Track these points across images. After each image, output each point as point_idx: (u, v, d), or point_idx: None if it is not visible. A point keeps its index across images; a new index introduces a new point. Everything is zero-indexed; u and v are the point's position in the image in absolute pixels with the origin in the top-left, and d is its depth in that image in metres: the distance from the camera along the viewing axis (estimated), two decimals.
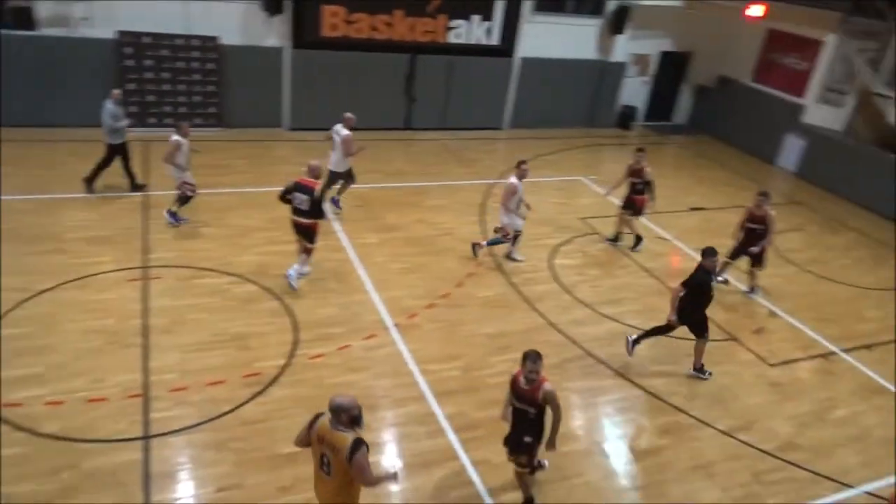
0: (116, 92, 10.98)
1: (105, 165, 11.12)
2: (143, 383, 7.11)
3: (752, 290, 10.58)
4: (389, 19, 15.40)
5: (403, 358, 8.08)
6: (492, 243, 10.66)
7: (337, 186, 11.58)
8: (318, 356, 7.90)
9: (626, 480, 6.77)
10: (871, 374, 8.94)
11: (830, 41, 16.20)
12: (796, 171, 16.86)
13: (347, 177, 11.54)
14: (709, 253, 8.01)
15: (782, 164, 17.30)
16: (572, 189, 14.22)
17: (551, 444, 5.84)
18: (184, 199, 10.50)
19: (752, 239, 10.14)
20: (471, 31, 16.28)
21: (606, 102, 18.65)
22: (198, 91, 14.40)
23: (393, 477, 5.06)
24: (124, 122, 10.95)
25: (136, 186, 11.40)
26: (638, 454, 7.11)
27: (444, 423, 7.13)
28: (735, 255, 10.45)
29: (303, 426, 4.83)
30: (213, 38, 14.10)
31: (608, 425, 7.50)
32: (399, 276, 9.89)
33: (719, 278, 10.56)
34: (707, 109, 19.67)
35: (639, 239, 11.66)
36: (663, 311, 9.73)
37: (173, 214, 10.49)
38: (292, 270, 9.19)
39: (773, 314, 10.12)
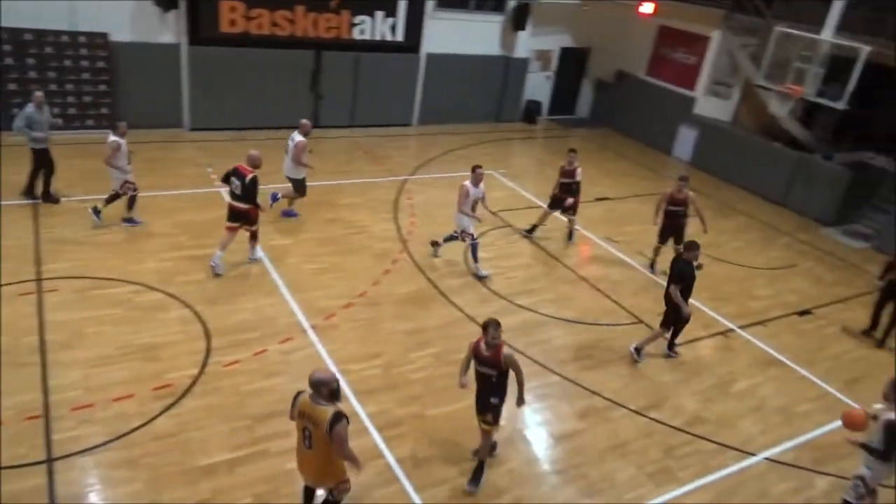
0: (39, 94, 10.23)
1: (37, 172, 10.54)
2: (44, 403, 6.66)
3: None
4: (291, 15, 15.07)
5: (322, 359, 7.95)
6: (448, 239, 10.61)
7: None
8: (233, 363, 7.66)
9: (547, 465, 6.95)
10: (765, 347, 9.58)
11: (716, 37, 17.20)
12: (690, 161, 17.80)
13: (299, 185, 11.24)
14: (692, 247, 8.50)
15: (677, 153, 18.23)
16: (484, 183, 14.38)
17: (521, 401, 6.34)
18: (131, 201, 10.25)
19: (675, 220, 10.81)
20: (375, 27, 16.19)
21: (512, 97, 19.02)
22: (88, 91, 13.57)
23: (358, 465, 5.21)
24: (42, 132, 10.23)
25: (49, 197, 10.71)
26: (558, 439, 7.32)
27: (367, 423, 7.08)
28: (663, 237, 11.08)
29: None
30: (102, 35, 13.32)
31: (529, 413, 7.67)
32: (314, 277, 9.72)
33: (653, 271, 11.21)
34: (607, 103, 20.45)
35: (533, 228, 11.99)
36: (575, 300, 10.14)
37: (129, 220, 10.33)
38: (216, 258, 9.32)
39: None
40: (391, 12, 16.22)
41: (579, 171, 11.50)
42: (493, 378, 6.16)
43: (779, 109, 14.54)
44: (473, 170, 10.16)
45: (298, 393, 5.08)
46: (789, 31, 13.97)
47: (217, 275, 9.36)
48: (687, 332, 9.63)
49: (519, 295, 10.01)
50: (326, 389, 4.88)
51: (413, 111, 17.65)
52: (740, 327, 10.01)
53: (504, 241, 11.78)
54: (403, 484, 6.37)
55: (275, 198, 11.26)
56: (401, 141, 16.69)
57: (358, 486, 6.24)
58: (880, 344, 10.09)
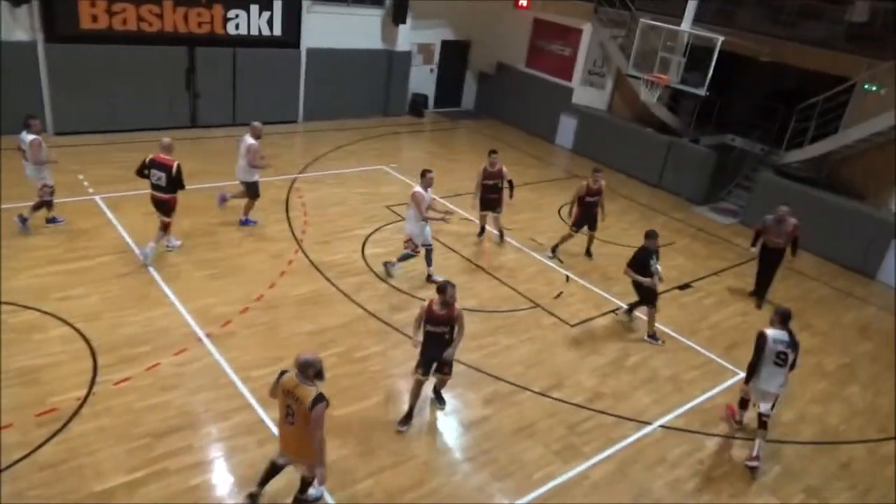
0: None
1: None
2: None
3: (589, 253, 11.94)
4: (158, 10, 14.29)
5: (222, 368, 7.64)
6: (402, 258, 10.14)
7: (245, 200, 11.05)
8: (124, 380, 7.20)
9: (458, 453, 7.05)
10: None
11: (587, 29, 17.99)
12: (572, 148, 18.55)
13: (252, 189, 10.87)
14: (651, 235, 9.26)
15: (560, 142, 18.94)
16: (375, 178, 14.35)
17: (452, 353, 7.10)
18: (48, 204, 9.95)
19: (590, 209, 11.42)
20: (251, 21, 15.66)
21: (397, 91, 19.02)
22: None
23: (323, 462, 5.45)
24: None
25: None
26: (467, 426, 7.43)
27: (274, 429, 6.84)
28: (579, 225, 11.58)
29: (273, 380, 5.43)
30: None
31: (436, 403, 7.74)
32: (206, 284, 9.30)
33: (552, 255, 11.63)
34: (490, 94, 20.90)
35: (501, 233, 12.15)
36: (474, 289, 10.33)
37: (53, 220, 10.19)
38: (147, 249, 9.43)
39: (568, 279, 11.09)
40: (267, 6, 15.73)
41: (506, 170, 11.56)
42: (445, 335, 6.97)
43: (648, 97, 15.43)
44: (424, 174, 9.78)
45: (283, 372, 5.38)
46: (653, 23, 14.83)
47: (145, 265, 9.48)
48: (580, 313, 10.09)
49: (419, 289, 10.06)
50: (313, 370, 5.23)
51: (297, 108, 17.25)
52: (629, 305, 10.54)
53: (400, 235, 11.74)
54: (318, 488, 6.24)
55: (223, 199, 11.02)
56: (287, 139, 16.27)
57: (269, 494, 6.08)
58: (759, 306, 11.18)
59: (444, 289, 6.80)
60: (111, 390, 7.03)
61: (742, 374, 9.08)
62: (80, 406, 6.74)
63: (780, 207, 10.78)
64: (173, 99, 15.05)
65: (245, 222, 11.20)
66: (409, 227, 9.98)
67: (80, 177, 11.88)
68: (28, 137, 9.45)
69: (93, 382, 7.09)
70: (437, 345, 7.02)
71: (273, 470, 5.87)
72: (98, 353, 7.54)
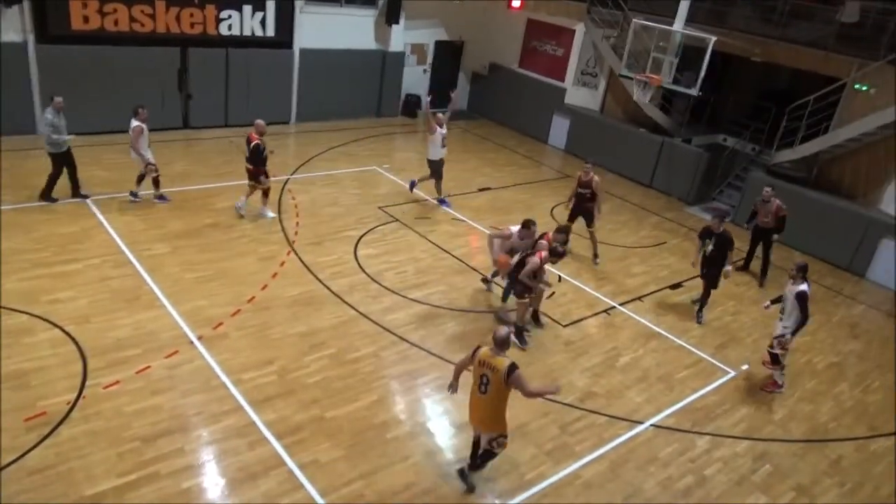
0: (58, 100, 10.60)
1: (56, 177, 10.97)
2: None
3: (595, 256, 12.03)
4: (150, 10, 14.23)
5: (213, 370, 7.63)
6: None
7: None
8: (114, 384, 7.17)
9: (450, 454, 7.04)
10: (644, 321, 10.21)
11: (580, 29, 18.02)
12: (565, 148, 18.58)
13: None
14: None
15: (553, 142, 18.97)
16: (368, 179, 14.34)
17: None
18: (155, 181, 11.10)
19: (581, 202, 11.72)
20: (243, 22, 15.62)
21: (391, 92, 19.01)
22: None
23: (554, 389, 6.44)
24: (66, 136, 10.84)
25: (79, 194, 11.33)
26: (459, 427, 7.41)
27: (266, 431, 6.87)
28: (571, 218, 11.94)
29: (465, 355, 6.27)
30: None
31: (429, 405, 7.75)
32: (197, 286, 9.28)
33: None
34: (483, 95, 20.90)
35: None
36: (466, 289, 10.35)
37: (160, 197, 11.49)
38: (240, 202, 11.38)
39: (560, 279, 11.11)
40: (259, 6, 15.70)
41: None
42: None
43: (641, 97, 15.47)
44: (528, 225, 9.30)
45: (478, 346, 6.12)
46: (645, 23, 14.86)
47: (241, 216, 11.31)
48: (572, 313, 10.11)
49: (411, 289, 10.06)
50: (507, 345, 6.02)
51: (290, 108, 17.21)
52: (621, 304, 10.60)
53: (392, 235, 11.78)
54: (308, 490, 6.24)
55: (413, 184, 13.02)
56: (280, 139, 16.19)
57: (261, 496, 6.08)
58: (761, 284, 12.11)
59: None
60: (101, 394, 7.01)
61: (732, 373, 9.19)
62: (70, 410, 6.72)
63: (764, 189, 11.85)
64: (165, 100, 15.00)
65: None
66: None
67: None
68: (133, 123, 10.87)
69: (83, 386, 7.07)
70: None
71: (477, 444, 6.54)
72: (88, 356, 7.51)
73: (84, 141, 13.62)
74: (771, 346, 8.78)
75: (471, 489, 6.52)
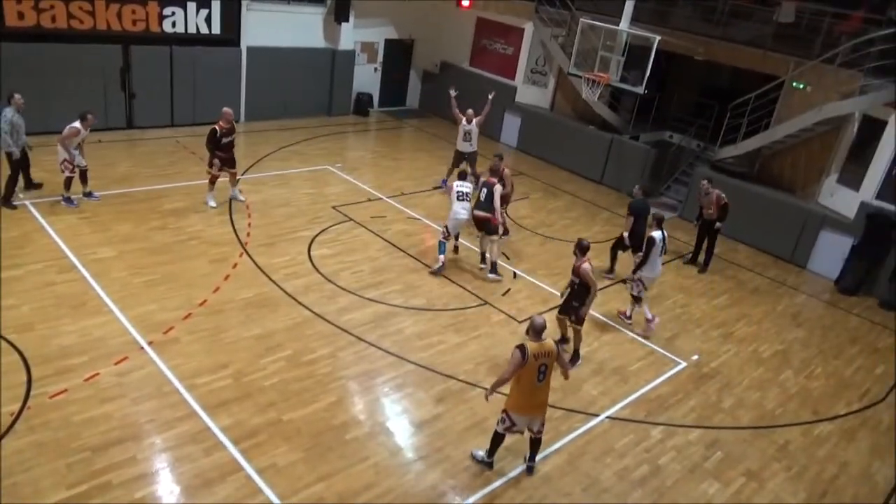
0: (18, 98, 10.50)
1: (15, 180, 10.80)
2: None
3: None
4: (89, 6, 13.76)
5: (165, 376, 7.43)
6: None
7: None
8: (61, 393, 6.92)
9: (411, 453, 7.03)
10: (598, 315, 10.36)
11: (529, 28, 18.21)
12: (517, 146, 18.74)
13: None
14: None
15: (505, 140, 19.11)
16: (320, 178, 14.19)
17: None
18: (68, 181, 10.77)
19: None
20: (188, 19, 15.25)
21: (342, 90, 18.83)
22: None
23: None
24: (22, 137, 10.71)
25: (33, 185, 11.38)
26: (419, 426, 7.43)
27: (221, 437, 6.74)
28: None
29: (514, 360, 6.25)
30: None
31: (388, 404, 7.72)
32: (146, 290, 9.02)
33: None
34: (434, 93, 20.86)
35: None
36: (422, 287, 10.36)
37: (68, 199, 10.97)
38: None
39: (515, 276, 11.21)
40: (204, 3, 15.35)
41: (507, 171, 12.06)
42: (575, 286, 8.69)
43: (589, 95, 15.73)
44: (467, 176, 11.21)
45: (521, 346, 6.24)
46: (592, 22, 15.12)
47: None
48: (527, 309, 10.22)
49: (367, 288, 10.01)
50: (544, 329, 6.37)
51: (239, 107, 16.86)
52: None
53: (347, 235, 11.68)
54: (267, 495, 6.15)
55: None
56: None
57: (219, 502, 5.97)
58: (703, 270, 12.68)
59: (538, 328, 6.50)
60: (47, 403, 6.75)
61: (683, 364, 9.44)
62: (14, 421, 6.45)
63: (701, 182, 12.53)
64: (108, 99, 14.53)
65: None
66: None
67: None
68: (73, 124, 10.72)
69: (27, 396, 6.79)
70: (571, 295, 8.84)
71: (501, 440, 6.80)
72: (32, 365, 7.22)
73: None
74: (628, 286, 10.25)
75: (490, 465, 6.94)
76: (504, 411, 6.67)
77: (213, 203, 11.84)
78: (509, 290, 10.68)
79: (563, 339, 9.23)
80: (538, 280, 11.14)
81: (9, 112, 10.38)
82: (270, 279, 9.83)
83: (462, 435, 7.35)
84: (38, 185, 11.41)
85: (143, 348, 7.83)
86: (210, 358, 7.88)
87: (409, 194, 13.87)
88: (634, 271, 9.91)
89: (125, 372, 7.40)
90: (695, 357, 9.68)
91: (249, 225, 11.42)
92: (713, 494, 7.09)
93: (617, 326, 10.14)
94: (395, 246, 11.56)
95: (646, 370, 9.15)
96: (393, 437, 7.24)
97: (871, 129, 13.11)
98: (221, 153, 11.66)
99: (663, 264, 10.43)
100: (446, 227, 10.77)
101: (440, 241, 10.81)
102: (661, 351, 9.69)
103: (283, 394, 7.51)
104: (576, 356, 8.97)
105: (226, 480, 6.22)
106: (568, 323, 9.02)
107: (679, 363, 9.46)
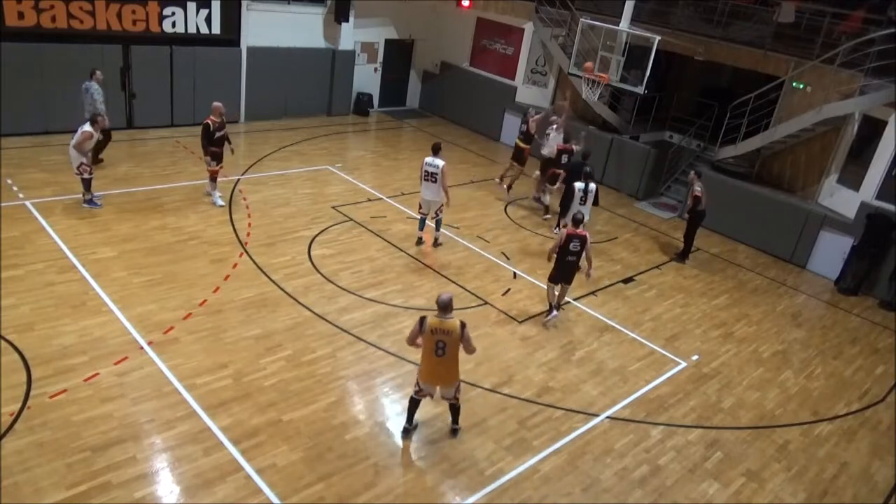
0: (99, 74, 11.93)
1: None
2: None
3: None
4: (89, 6, 13.76)
5: (165, 376, 7.43)
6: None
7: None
8: (60, 393, 6.92)
9: (411, 453, 7.03)
10: (598, 315, 10.39)
11: (529, 28, 18.20)
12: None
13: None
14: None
15: (505, 140, 19.09)
16: (320, 178, 14.19)
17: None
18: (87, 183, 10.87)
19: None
20: (188, 19, 15.24)
21: (342, 90, 18.84)
22: None
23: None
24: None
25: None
26: (419, 426, 7.42)
27: (221, 437, 6.74)
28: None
29: (413, 329, 6.62)
30: None
31: (388, 404, 7.72)
32: (145, 290, 9.02)
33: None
34: (434, 93, 20.92)
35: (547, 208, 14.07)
36: (422, 287, 10.36)
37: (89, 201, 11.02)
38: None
39: (515, 276, 11.21)
40: (204, 3, 15.35)
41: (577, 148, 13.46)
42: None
43: (589, 95, 15.72)
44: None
45: (422, 318, 6.51)
46: (592, 22, 15.11)
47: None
48: (528, 309, 10.22)
49: (367, 288, 10.01)
50: (451, 307, 6.51)
51: (239, 107, 16.89)
52: (575, 299, 10.75)
53: (346, 235, 11.68)
54: (267, 494, 6.15)
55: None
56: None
57: (218, 502, 5.96)
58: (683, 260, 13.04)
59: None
60: (47, 403, 6.76)
61: (683, 364, 9.44)
62: (14, 421, 6.45)
63: (689, 175, 13.07)
64: (108, 99, 14.49)
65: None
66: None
67: (9, 181, 11.38)
68: (84, 127, 10.63)
69: (27, 396, 6.80)
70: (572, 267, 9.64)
71: (415, 403, 7.05)
72: (32, 365, 7.23)
73: (21, 142, 13.15)
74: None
75: (414, 427, 7.23)
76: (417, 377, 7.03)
77: (220, 202, 11.90)
78: (509, 290, 10.68)
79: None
80: (537, 280, 11.13)
81: (93, 86, 12.16)
82: (270, 279, 9.83)
83: (461, 435, 7.34)
84: (101, 160, 12.51)
85: (143, 348, 7.83)
86: (210, 358, 7.88)
87: (409, 194, 13.86)
88: (562, 215, 12.23)
89: (125, 372, 7.40)
90: (695, 357, 9.68)
91: (249, 225, 11.42)
92: (713, 494, 7.09)
93: (617, 326, 10.14)
94: (395, 246, 11.56)
95: (646, 370, 9.15)
96: (393, 437, 7.24)
97: (871, 129, 13.12)
98: (214, 148, 11.71)
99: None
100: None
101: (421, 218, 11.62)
102: (661, 351, 9.69)
103: (283, 394, 7.51)
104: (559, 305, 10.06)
105: (226, 480, 6.22)
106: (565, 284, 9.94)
107: (679, 363, 9.46)
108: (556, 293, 9.90)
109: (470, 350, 6.71)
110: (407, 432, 7.19)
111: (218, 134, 11.66)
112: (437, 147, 11.27)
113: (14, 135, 13.27)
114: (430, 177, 11.05)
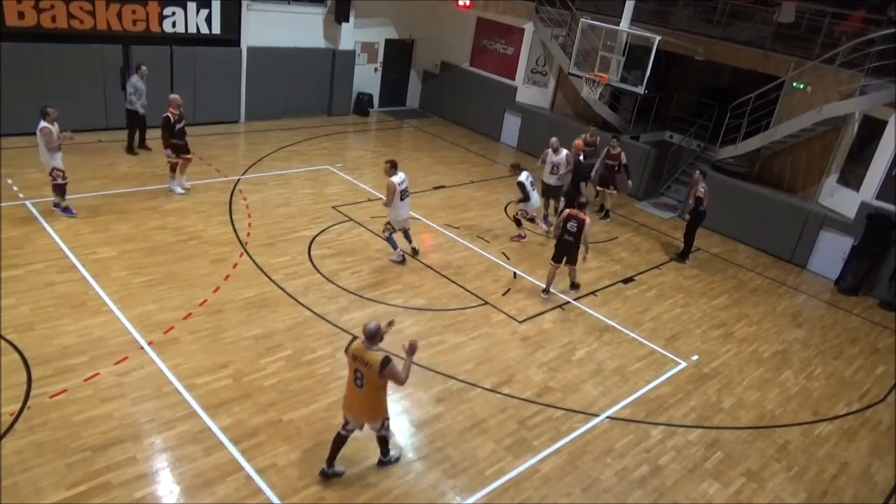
0: (144, 69, 12.82)
1: (135, 130, 13.33)
2: None
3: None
4: (89, 6, 13.76)
5: (165, 376, 7.43)
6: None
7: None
8: (61, 392, 6.93)
9: (411, 453, 7.03)
10: (598, 315, 10.39)
11: (529, 28, 18.20)
12: (517, 146, 18.73)
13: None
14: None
15: (504, 140, 19.12)
16: (320, 178, 14.19)
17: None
18: (61, 188, 10.62)
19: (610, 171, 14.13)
20: (188, 19, 15.25)
21: (342, 90, 18.84)
22: None
23: (411, 351, 6.05)
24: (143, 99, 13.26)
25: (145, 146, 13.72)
26: (418, 426, 7.43)
27: (221, 437, 6.74)
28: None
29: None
30: None
31: (388, 404, 7.67)
32: (145, 290, 9.02)
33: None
34: (434, 93, 20.92)
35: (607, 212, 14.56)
36: (422, 287, 10.36)
37: (65, 209, 10.76)
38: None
39: (516, 276, 11.21)
40: (204, 3, 15.35)
41: (623, 154, 13.94)
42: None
43: (590, 95, 15.72)
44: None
45: (354, 338, 6.23)
46: (592, 22, 15.11)
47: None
48: (528, 308, 10.22)
49: (366, 288, 10.01)
50: (378, 338, 5.88)
51: (240, 107, 16.89)
52: (575, 299, 10.76)
53: (346, 235, 11.69)
54: (267, 494, 6.15)
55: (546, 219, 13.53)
56: (229, 139, 15.92)
57: (218, 502, 5.96)
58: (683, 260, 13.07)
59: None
60: (47, 403, 6.76)
61: (683, 364, 9.44)
62: (14, 421, 6.45)
63: (695, 174, 12.93)
64: (108, 99, 14.53)
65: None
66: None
67: (9, 181, 11.39)
68: (40, 124, 10.27)
69: (27, 396, 6.80)
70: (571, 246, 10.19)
71: (340, 441, 6.33)
72: (32, 364, 7.23)
73: (21, 142, 13.15)
74: (516, 214, 12.59)
75: (339, 474, 6.45)
76: None
77: (179, 190, 12.12)
78: (509, 290, 10.68)
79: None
80: (538, 280, 11.13)
81: (134, 79, 13.19)
82: (270, 279, 9.84)
83: (462, 435, 7.35)
84: (149, 148, 13.42)
85: (143, 348, 7.83)
86: (210, 358, 7.88)
87: (409, 194, 13.82)
88: (524, 199, 12.28)
89: (125, 372, 7.41)
90: (695, 357, 9.68)
91: (250, 225, 11.42)
92: (713, 494, 7.09)
93: (617, 326, 10.14)
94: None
95: (646, 370, 9.15)
96: (393, 437, 7.23)
97: (871, 129, 13.11)
98: (176, 140, 11.83)
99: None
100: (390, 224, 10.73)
101: (389, 238, 10.84)
102: (661, 351, 9.69)
103: (283, 394, 7.52)
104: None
105: (225, 480, 6.22)
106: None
107: (679, 363, 9.46)
108: (556, 273, 10.58)
109: (399, 382, 5.95)
110: (325, 476, 6.37)
111: (178, 126, 11.80)
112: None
113: (14, 135, 13.26)
114: (407, 194, 10.76)
